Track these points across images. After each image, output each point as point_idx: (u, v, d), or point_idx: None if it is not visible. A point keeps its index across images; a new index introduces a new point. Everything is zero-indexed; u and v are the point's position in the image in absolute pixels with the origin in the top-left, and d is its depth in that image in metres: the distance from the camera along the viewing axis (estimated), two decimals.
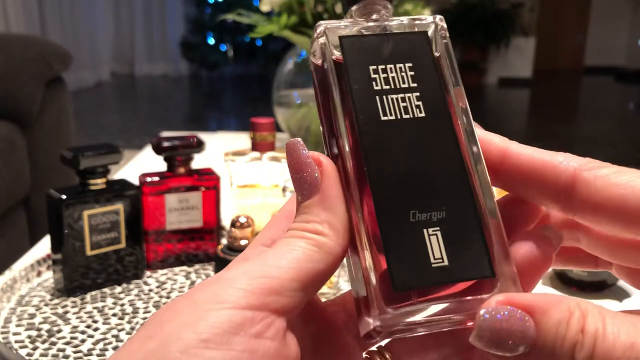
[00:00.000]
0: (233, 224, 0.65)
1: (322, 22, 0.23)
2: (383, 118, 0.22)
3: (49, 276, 0.67)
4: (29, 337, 0.56)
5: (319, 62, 0.23)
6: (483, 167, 0.22)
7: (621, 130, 4.13)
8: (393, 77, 0.22)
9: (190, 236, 0.72)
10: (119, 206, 0.65)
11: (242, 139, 1.37)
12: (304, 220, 0.22)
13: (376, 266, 0.21)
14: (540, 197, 0.23)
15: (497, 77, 6.16)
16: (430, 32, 0.24)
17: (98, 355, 0.54)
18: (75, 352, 0.54)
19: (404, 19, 0.24)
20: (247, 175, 0.77)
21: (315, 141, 1.17)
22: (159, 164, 0.72)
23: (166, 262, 0.71)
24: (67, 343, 0.56)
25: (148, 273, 0.70)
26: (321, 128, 0.23)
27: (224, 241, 0.73)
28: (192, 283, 0.68)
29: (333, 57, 0.22)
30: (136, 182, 0.69)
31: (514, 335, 0.19)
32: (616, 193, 0.21)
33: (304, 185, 0.22)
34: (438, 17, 0.24)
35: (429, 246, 0.21)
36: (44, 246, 0.78)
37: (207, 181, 0.71)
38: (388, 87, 0.22)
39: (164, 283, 0.68)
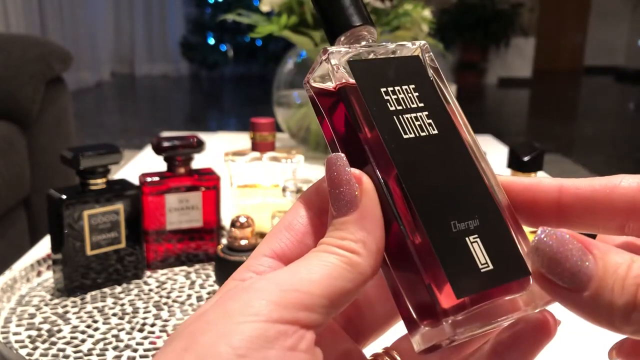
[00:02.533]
0: (233, 224, 0.65)
1: (329, 47, 0.24)
2: (405, 136, 0.23)
3: (49, 276, 0.67)
4: (29, 337, 0.56)
5: (330, 86, 0.24)
6: (490, 168, 0.24)
7: (621, 130, 4.13)
8: (403, 98, 0.23)
9: (190, 236, 0.72)
10: (119, 206, 0.65)
11: (242, 139, 1.37)
12: (339, 237, 0.22)
13: (433, 279, 0.21)
14: (608, 222, 0.23)
15: (497, 77, 6.15)
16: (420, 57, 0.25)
17: (98, 355, 0.54)
18: (75, 352, 0.54)
19: (391, 45, 0.25)
20: (247, 175, 0.77)
21: (316, 141, 1.17)
22: (159, 164, 0.72)
23: (166, 262, 0.71)
24: (67, 343, 0.56)
25: (148, 273, 0.70)
26: (331, 148, 0.24)
27: (224, 241, 0.73)
28: (192, 283, 0.68)
29: (343, 80, 0.23)
30: (136, 182, 0.69)
31: (572, 261, 0.19)
32: None
33: (342, 202, 0.22)
34: (423, 42, 0.25)
35: (474, 253, 0.22)
36: (44, 246, 0.78)
37: (207, 181, 0.71)
38: (401, 107, 0.23)
39: (164, 283, 0.68)
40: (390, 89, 0.23)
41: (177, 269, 0.71)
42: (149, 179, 0.69)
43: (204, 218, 0.72)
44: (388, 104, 0.23)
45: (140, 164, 1.17)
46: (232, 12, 1.22)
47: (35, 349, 0.55)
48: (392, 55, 0.25)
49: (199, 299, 0.65)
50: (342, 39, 0.25)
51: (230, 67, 5.95)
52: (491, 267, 0.22)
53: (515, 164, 0.72)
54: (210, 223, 0.72)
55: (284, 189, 0.71)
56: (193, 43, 5.67)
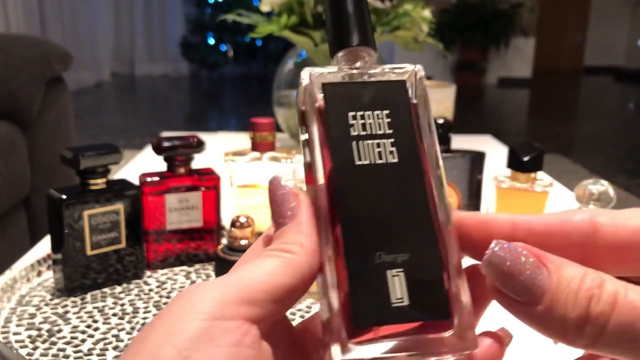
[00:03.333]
0: (233, 224, 0.65)
1: (307, 68, 0.24)
2: (357, 162, 0.23)
3: (49, 276, 0.67)
4: (29, 336, 0.56)
5: (303, 107, 0.24)
6: (447, 204, 0.23)
7: (621, 130, 4.13)
8: (370, 124, 0.24)
9: (190, 236, 0.72)
10: (119, 206, 0.65)
11: (242, 139, 1.37)
12: (278, 242, 0.23)
13: (341, 301, 0.22)
14: (564, 256, 0.22)
15: (497, 77, 6.15)
16: (408, 80, 0.25)
17: (98, 355, 0.54)
18: (75, 352, 0.54)
19: (386, 67, 0.25)
20: (247, 175, 0.77)
21: None
22: (159, 164, 0.72)
23: (166, 262, 0.71)
24: (68, 343, 0.56)
25: (148, 273, 0.70)
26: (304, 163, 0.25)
27: (224, 241, 0.73)
28: (193, 283, 0.68)
29: (316, 104, 0.24)
30: (136, 182, 0.69)
31: (525, 274, 0.20)
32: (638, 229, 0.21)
33: (280, 215, 0.24)
34: (418, 66, 0.25)
35: (391, 286, 0.22)
36: (44, 246, 0.78)
37: (207, 181, 0.71)
38: (365, 132, 0.23)
39: (164, 283, 0.68)
40: (359, 113, 0.24)
41: (177, 269, 0.71)
42: (149, 179, 0.69)
43: (204, 218, 0.72)
44: (351, 128, 0.23)
45: (141, 164, 1.17)
46: (232, 12, 1.22)
47: (35, 348, 0.55)
48: (375, 79, 0.25)
49: None
50: (340, 55, 0.26)
51: (230, 67, 5.95)
52: (405, 303, 0.22)
53: (515, 164, 0.72)
54: (210, 223, 0.72)
55: None
56: (193, 43, 5.67)
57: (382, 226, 0.22)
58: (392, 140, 0.23)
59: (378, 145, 0.23)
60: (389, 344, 0.21)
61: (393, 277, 0.22)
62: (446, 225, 0.23)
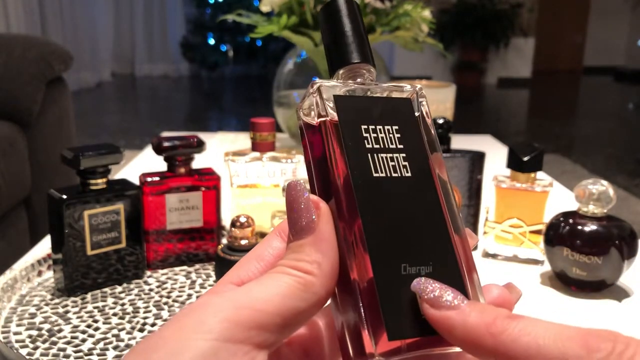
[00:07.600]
0: (233, 224, 0.65)
1: (317, 80, 0.24)
2: (375, 175, 0.23)
3: (49, 276, 0.68)
4: (30, 336, 0.56)
5: (314, 119, 0.24)
6: (459, 219, 0.24)
7: (620, 130, 4.13)
8: (382, 137, 0.24)
9: (190, 236, 0.72)
10: (120, 206, 0.65)
11: (242, 139, 1.37)
12: (295, 259, 0.22)
13: (370, 318, 0.21)
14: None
15: (497, 77, 6.15)
16: (412, 99, 0.25)
17: (98, 355, 0.54)
18: (75, 352, 0.54)
19: (386, 85, 0.25)
20: (247, 175, 0.77)
21: None
22: (160, 164, 0.72)
23: (166, 261, 0.72)
24: (68, 342, 0.56)
25: (148, 273, 0.70)
26: (309, 184, 0.24)
27: (224, 241, 0.73)
28: (193, 282, 0.68)
29: (328, 117, 0.24)
30: (137, 182, 0.69)
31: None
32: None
33: (299, 225, 0.22)
34: (418, 86, 0.25)
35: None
36: (44, 246, 0.78)
37: (208, 181, 0.71)
38: (378, 146, 0.24)
39: (164, 283, 0.68)
40: (371, 127, 0.24)
41: (177, 269, 0.71)
42: (149, 179, 0.69)
43: (204, 218, 0.72)
44: (365, 141, 0.23)
45: (141, 164, 1.17)
46: (232, 12, 1.22)
47: (35, 348, 0.55)
48: (384, 95, 0.25)
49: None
50: (341, 72, 0.26)
51: (230, 67, 5.95)
52: None
53: (515, 164, 0.73)
54: (210, 223, 0.72)
55: (284, 189, 0.71)
56: (193, 43, 5.67)
57: (404, 239, 0.22)
58: (404, 155, 0.24)
59: (392, 158, 0.23)
60: (414, 352, 0.21)
61: None
62: (461, 235, 0.23)
